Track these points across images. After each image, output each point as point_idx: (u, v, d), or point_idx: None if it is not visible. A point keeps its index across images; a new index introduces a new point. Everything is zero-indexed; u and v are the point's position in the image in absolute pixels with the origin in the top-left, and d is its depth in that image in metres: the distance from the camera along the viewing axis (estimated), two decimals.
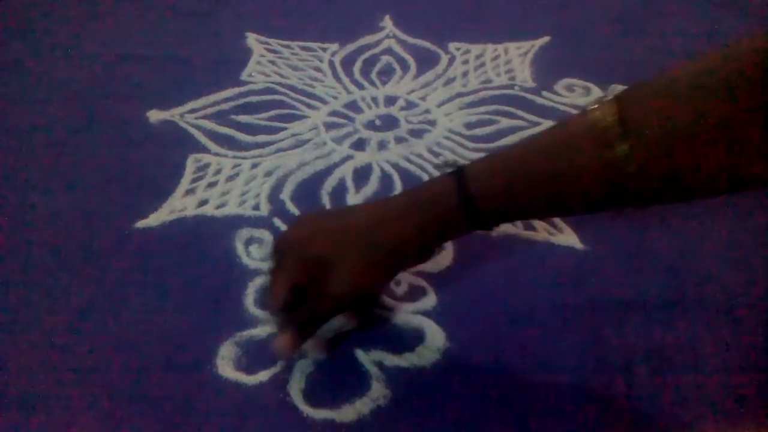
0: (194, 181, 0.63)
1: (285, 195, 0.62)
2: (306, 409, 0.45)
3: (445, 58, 0.80)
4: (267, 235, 0.58)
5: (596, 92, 0.74)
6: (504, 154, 0.44)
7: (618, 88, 0.72)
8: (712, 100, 0.36)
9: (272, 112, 0.72)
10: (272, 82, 0.76)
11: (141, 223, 0.59)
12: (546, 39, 0.83)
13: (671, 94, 0.38)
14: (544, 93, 0.74)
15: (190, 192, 0.62)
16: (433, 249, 0.49)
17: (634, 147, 0.37)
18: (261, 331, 0.50)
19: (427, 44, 0.82)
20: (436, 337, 0.49)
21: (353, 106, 0.73)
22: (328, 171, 0.64)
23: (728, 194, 0.40)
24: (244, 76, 0.77)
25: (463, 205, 0.43)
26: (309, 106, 0.73)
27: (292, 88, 0.75)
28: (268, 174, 0.64)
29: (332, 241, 0.45)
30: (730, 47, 0.37)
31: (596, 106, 0.40)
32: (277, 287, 0.45)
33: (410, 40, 0.83)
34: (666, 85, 0.39)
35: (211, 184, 0.63)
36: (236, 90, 0.75)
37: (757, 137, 0.35)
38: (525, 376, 0.47)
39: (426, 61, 0.79)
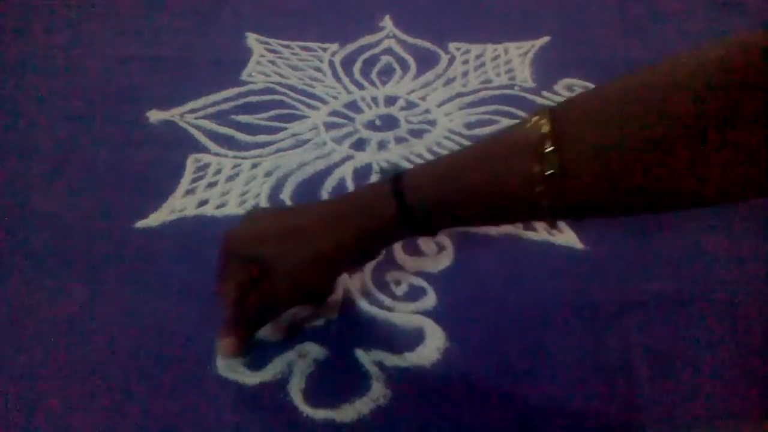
0: (194, 181, 0.63)
1: (285, 195, 0.62)
2: (306, 409, 0.45)
3: (445, 58, 0.80)
4: None
5: None
6: (441, 162, 0.46)
7: None
8: (642, 117, 0.36)
9: (272, 112, 0.72)
10: (272, 82, 0.76)
11: (141, 223, 0.59)
12: (546, 39, 0.83)
13: (603, 107, 0.38)
14: (544, 93, 0.74)
15: (190, 192, 0.62)
16: (377, 252, 0.50)
17: (564, 159, 0.37)
18: (261, 331, 0.50)
19: (427, 44, 0.82)
20: (436, 337, 0.49)
21: (353, 106, 0.73)
22: (328, 171, 0.64)
23: (669, 211, 0.41)
24: (244, 76, 0.77)
25: (400, 213, 0.43)
26: (309, 106, 0.73)
27: (292, 88, 0.75)
28: (268, 174, 0.64)
29: (273, 243, 0.46)
30: (672, 60, 0.37)
31: (531, 117, 0.40)
32: (224, 286, 0.47)
33: (410, 40, 0.83)
34: (599, 98, 0.39)
35: (211, 184, 0.63)
36: (236, 90, 0.75)
37: (685, 155, 0.35)
38: (525, 376, 0.47)
39: (426, 61, 0.79)
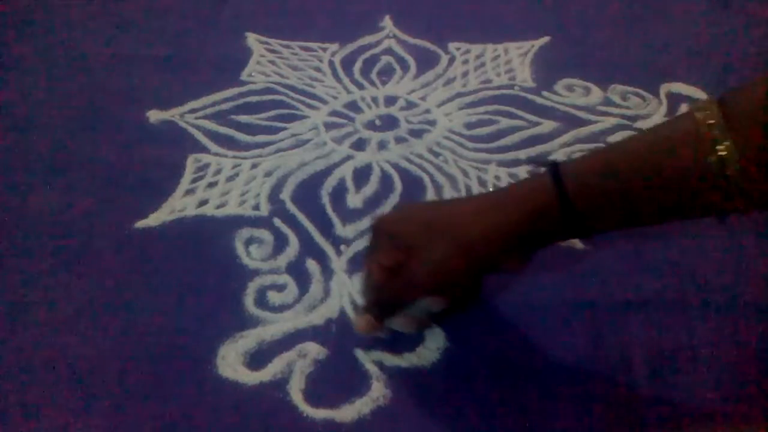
0: (194, 181, 0.63)
1: (285, 195, 0.62)
2: (306, 409, 0.45)
3: (445, 58, 0.80)
4: (267, 235, 0.58)
5: (596, 92, 0.74)
6: (601, 154, 0.44)
7: (618, 88, 0.74)
8: None
9: (272, 112, 0.72)
10: (272, 82, 0.76)
11: (141, 223, 0.59)
12: (546, 39, 0.83)
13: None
14: (544, 93, 0.74)
15: (190, 192, 0.62)
16: (527, 253, 0.46)
17: (737, 148, 0.37)
18: (261, 331, 0.50)
19: (427, 44, 0.82)
20: (436, 337, 0.49)
21: (353, 106, 0.73)
22: (328, 171, 0.64)
23: None
24: (244, 76, 0.77)
25: (559, 202, 0.41)
26: (309, 106, 0.73)
27: (292, 88, 0.75)
28: (268, 174, 0.64)
29: (420, 229, 0.45)
30: None
31: (698, 106, 0.39)
32: (372, 266, 0.46)
33: (410, 40, 0.83)
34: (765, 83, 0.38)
35: (211, 184, 0.63)
36: (236, 90, 0.75)
37: None
38: (525, 376, 0.47)
39: (426, 61, 0.79)
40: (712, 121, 0.38)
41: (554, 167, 0.43)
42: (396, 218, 0.48)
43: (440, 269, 0.44)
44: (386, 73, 0.78)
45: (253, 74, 0.77)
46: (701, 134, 0.38)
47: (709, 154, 0.38)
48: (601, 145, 0.67)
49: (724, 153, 0.37)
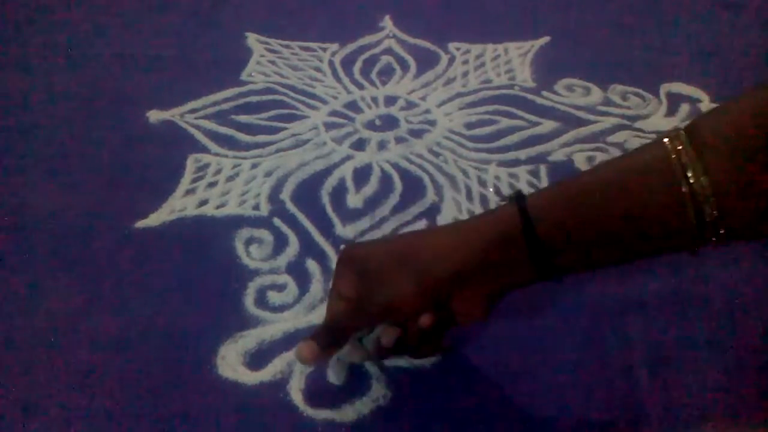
0: (194, 181, 0.63)
1: (285, 195, 0.62)
2: (306, 409, 0.45)
3: (445, 58, 0.80)
4: (267, 235, 0.58)
5: (596, 92, 0.74)
6: (568, 182, 0.42)
7: (618, 88, 0.74)
8: None
9: (272, 112, 0.72)
10: (272, 82, 0.76)
11: (141, 223, 0.59)
12: (546, 39, 0.83)
13: (741, 116, 0.37)
14: (544, 93, 0.74)
15: (190, 192, 0.62)
16: (491, 299, 0.43)
17: (709, 178, 0.36)
18: (261, 331, 0.50)
19: (427, 44, 0.82)
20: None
21: (353, 106, 0.73)
22: (328, 171, 0.64)
23: None
24: (244, 76, 0.77)
25: (523, 230, 0.40)
26: (309, 106, 0.73)
27: (292, 88, 0.75)
28: (268, 174, 0.64)
29: (385, 258, 0.43)
30: None
31: (666, 137, 0.38)
32: (330, 299, 0.46)
33: (410, 40, 0.83)
34: (736, 109, 0.38)
35: (211, 184, 0.63)
36: (236, 90, 0.75)
37: None
38: (525, 376, 0.47)
39: (426, 61, 0.79)
40: (681, 150, 0.37)
41: (520, 196, 0.41)
42: (365, 247, 0.47)
43: (395, 298, 0.42)
44: (386, 73, 0.78)
45: (253, 74, 0.77)
46: (672, 163, 0.37)
47: (680, 184, 0.36)
48: (601, 145, 0.67)
49: (693, 182, 0.36)
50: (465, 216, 0.59)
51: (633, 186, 0.39)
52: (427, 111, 0.72)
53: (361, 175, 0.64)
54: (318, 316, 0.51)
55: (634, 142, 0.67)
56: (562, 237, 0.40)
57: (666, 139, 0.38)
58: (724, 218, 0.36)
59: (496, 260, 0.41)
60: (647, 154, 0.39)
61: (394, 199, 0.61)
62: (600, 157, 0.65)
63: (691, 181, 0.36)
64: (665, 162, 0.37)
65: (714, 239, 0.37)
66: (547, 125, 0.70)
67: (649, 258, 0.41)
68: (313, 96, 0.74)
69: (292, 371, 0.47)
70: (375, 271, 0.43)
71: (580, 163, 0.65)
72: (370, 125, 0.70)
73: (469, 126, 0.70)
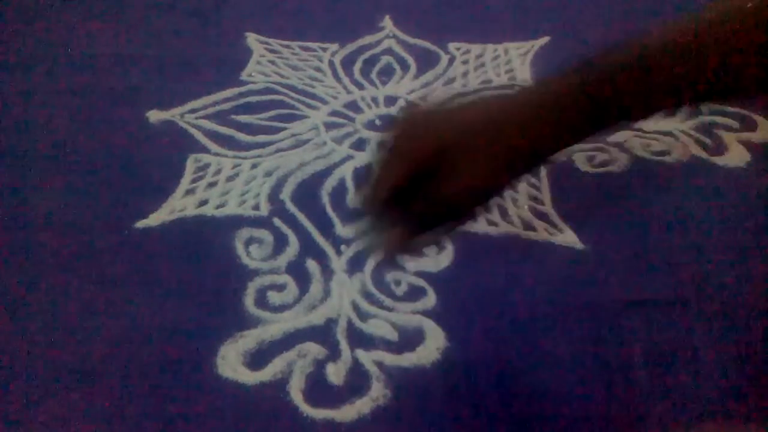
0: (194, 181, 0.63)
1: (285, 195, 0.62)
2: (306, 409, 0.45)
3: (445, 58, 0.80)
4: (267, 235, 0.58)
5: None
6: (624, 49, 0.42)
7: None
8: None
9: (272, 112, 0.72)
10: (272, 82, 0.76)
11: (141, 223, 0.59)
12: (546, 39, 0.83)
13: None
14: None
15: (190, 192, 0.62)
16: (552, 149, 0.42)
17: None
18: (261, 331, 0.50)
19: (427, 44, 0.82)
20: (436, 337, 0.49)
21: (353, 106, 0.73)
22: (328, 171, 0.64)
23: None
24: (244, 76, 0.77)
25: (592, 109, 0.40)
26: (309, 106, 0.73)
27: (292, 88, 0.75)
28: (268, 174, 0.64)
29: (450, 131, 0.40)
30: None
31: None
32: (387, 174, 0.40)
33: (410, 40, 0.83)
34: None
35: (211, 184, 0.63)
36: (236, 90, 0.75)
37: None
38: (525, 376, 0.47)
39: (426, 61, 0.79)
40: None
41: (583, 70, 0.41)
42: (425, 117, 0.43)
43: (481, 181, 0.40)
44: (386, 73, 0.78)
45: (253, 74, 0.77)
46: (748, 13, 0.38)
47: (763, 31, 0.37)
48: (601, 144, 0.67)
49: None
50: None
51: (722, 35, 0.40)
52: None
53: (362, 175, 0.64)
54: (318, 315, 0.51)
55: (635, 142, 0.67)
56: (636, 100, 0.40)
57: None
58: None
59: (560, 132, 0.41)
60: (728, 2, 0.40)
61: None
62: (600, 158, 0.65)
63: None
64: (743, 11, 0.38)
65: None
66: None
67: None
68: (313, 96, 0.74)
69: (292, 371, 0.47)
70: (449, 145, 0.40)
71: (580, 163, 0.65)
72: (370, 125, 0.70)
73: None
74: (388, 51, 0.81)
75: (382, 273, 0.54)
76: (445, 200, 0.40)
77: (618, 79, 0.40)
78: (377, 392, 0.46)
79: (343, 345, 0.49)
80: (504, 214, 0.59)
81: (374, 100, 0.74)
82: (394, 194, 0.40)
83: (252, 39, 0.83)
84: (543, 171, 0.64)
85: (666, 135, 0.68)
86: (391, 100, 0.74)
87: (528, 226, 0.58)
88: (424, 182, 0.40)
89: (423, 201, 0.40)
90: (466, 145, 0.40)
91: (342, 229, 0.58)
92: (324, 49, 0.82)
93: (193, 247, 0.57)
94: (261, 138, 0.68)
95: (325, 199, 0.61)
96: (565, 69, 0.41)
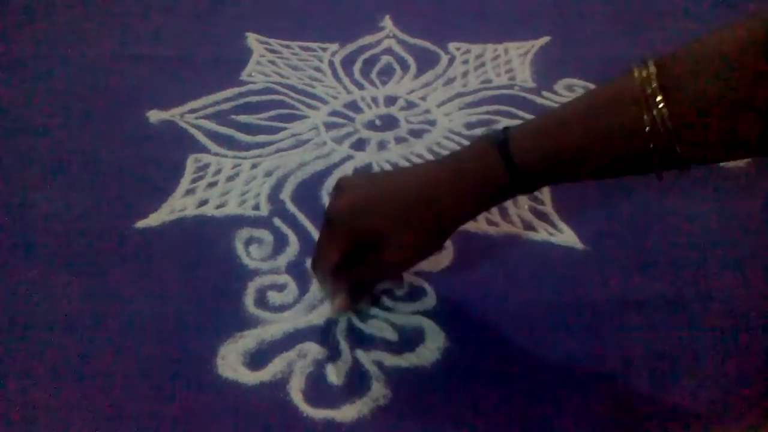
0: (194, 181, 0.63)
1: (285, 195, 0.62)
2: (306, 409, 0.45)
3: (445, 58, 0.80)
4: (267, 235, 0.58)
5: None
6: (545, 120, 0.45)
7: None
8: (738, 70, 0.37)
9: (272, 112, 0.72)
10: (272, 82, 0.76)
11: (141, 223, 0.59)
12: (546, 39, 0.83)
13: (704, 61, 0.39)
14: (544, 93, 0.74)
15: (190, 192, 0.62)
16: (479, 214, 0.50)
17: (671, 111, 0.38)
18: (261, 331, 0.50)
19: (427, 44, 0.82)
20: (436, 337, 0.49)
21: (353, 106, 0.73)
22: (328, 171, 0.64)
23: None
24: (244, 76, 0.77)
25: (510, 176, 0.43)
26: (309, 106, 0.73)
27: (292, 88, 0.75)
28: (268, 174, 0.64)
29: (384, 213, 0.46)
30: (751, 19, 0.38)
31: (637, 68, 0.40)
32: (328, 251, 0.47)
33: (410, 40, 0.83)
34: (700, 52, 0.39)
35: (211, 184, 0.63)
36: (236, 90, 0.75)
37: None
38: (525, 376, 0.47)
39: (426, 61, 0.79)
40: (648, 80, 0.39)
41: (502, 137, 0.44)
42: (353, 204, 0.47)
43: (415, 250, 0.47)
44: (386, 73, 0.78)
45: (253, 74, 0.77)
46: (636, 92, 0.39)
47: (643, 113, 0.38)
48: None
49: (655, 113, 0.38)
50: None
51: (602, 114, 0.41)
52: (427, 111, 0.72)
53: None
54: (318, 315, 0.51)
55: None
56: (541, 169, 0.43)
57: (636, 69, 0.40)
58: (683, 147, 0.38)
59: (484, 198, 0.46)
60: (618, 83, 0.42)
61: None
62: None
63: (653, 112, 0.38)
64: (632, 91, 0.39)
65: (676, 166, 0.40)
66: None
67: (618, 177, 0.44)
68: (313, 96, 0.74)
69: (292, 371, 0.47)
70: (384, 225, 0.46)
71: None
72: (370, 125, 0.70)
73: (469, 126, 0.70)
74: (388, 51, 0.81)
75: None
76: (384, 268, 0.48)
77: (532, 145, 0.43)
78: (377, 392, 0.46)
79: (343, 345, 0.49)
80: (504, 214, 0.59)
81: (374, 100, 0.74)
82: (336, 266, 0.47)
83: (252, 39, 0.83)
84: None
85: None
86: (391, 100, 0.74)
87: (528, 226, 0.58)
88: (366, 251, 0.47)
89: (365, 267, 0.47)
90: (399, 222, 0.45)
91: None
92: (324, 49, 0.82)
93: (193, 247, 0.57)
94: (261, 138, 0.68)
95: (325, 199, 0.61)
96: (485, 136, 0.45)
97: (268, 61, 0.80)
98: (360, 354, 0.48)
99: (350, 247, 0.47)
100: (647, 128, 0.38)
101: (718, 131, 0.38)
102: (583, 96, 0.45)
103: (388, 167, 0.65)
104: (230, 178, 0.63)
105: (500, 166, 0.43)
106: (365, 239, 0.46)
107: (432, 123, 0.71)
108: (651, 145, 0.39)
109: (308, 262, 0.52)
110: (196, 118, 0.71)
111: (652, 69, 0.39)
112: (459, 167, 0.46)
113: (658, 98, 0.38)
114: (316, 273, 0.50)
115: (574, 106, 0.44)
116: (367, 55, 0.81)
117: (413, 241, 0.46)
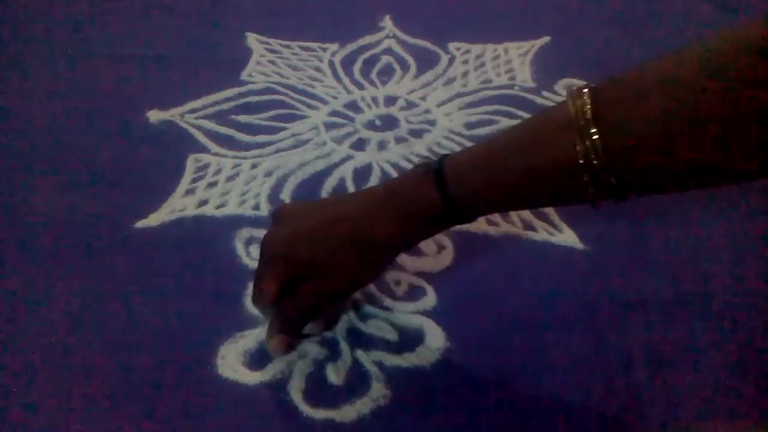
0: (194, 181, 0.63)
1: (285, 195, 0.62)
2: (306, 409, 0.45)
3: (445, 58, 0.80)
4: None
5: None
6: (481, 149, 0.44)
7: None
8: (681, 93, 0.36)
9: (272, 112, 0.72)
10: (272, 82, 0.76)
11: (141, 223, 0.59)
12: (546, 39, 0.83)
13: (641, 89, 0.37)
14: (544, 93, 0.74)
15: (190, 192, 0.62)
16: (416, 244, 0.50)
17: (606, 141, 0.36)
18: (261, 331, 0.50)
19: (427, 44, 0.82)
20: (436, 337, 0.49)
21: (353, 106, 0.73)
22: (328, 171, 0.64)
23: (703, 188, 0.40)
24: (244, 76, 0.77)
25: (444, 206, 0.43)
26: (309, 106, 0.73)
27: (292, 88, 0.75)
28: (268, 174, 0.64)
29: (319, 243, 0.46)
30: (708, 41, 0.37)
31: (571, 98, 0.39)
32: (265, 285, 0.47)
33: (410, 40, 0.83)
34: (637, 79, 0.38)
35: (211, 184, 0.63)
36: (236, 90, 0.75)
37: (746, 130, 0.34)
38: (525, 376, 0.47)
39: (426, 61, 0.79)
40: (581, 109, 0.37)
41: (437, 167, 0.43)
42: (286, 235, 0.47)
43: (353, 278, 0.47)
44: (386, 73, 0.78)
45: (253, 74, 0.77)
46: (571, 123, 0.38)
47: (576, 144, 0.37)
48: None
49: (588, 144, 0.37)
50: None
51: (535, 148, 0.40)
52: (427, 111, 0.72)
53: (361, 175, 0.64)
54: None
55: None
56: (475, 201, 0.43)
57: (569, 98, 0.39)
58: (621, 177, 0.37)
59: (420, 227, 0.46)
60: (552, 112, 0.41)
61: None
62: None
63: (586, 143, 0.37)
64: (565, 120, 0.38)
65: (602, 196, 0.39)
66: None
67: (555, 206, 0.45)
68: (313, 96, 0.74)
69: (292, 371, 0.47)
70: (317, 255, 0.46)
71: None
72: (370, 125, 0.70)
73: (469, 126, 0.70)
74: (388, 51, 0.81)
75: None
76: (319, 298, 0.47)
77: (467, 178, 0.43)
78: (377, 392, 0.46)
79: (343, 345, 0.49)
80: (504, 214, 0.59)
81: (374, 100, 0.74)
82: (273, 302, 0.47)
83: (252, 39, 0.83)
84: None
85: None
86: (391, 100, 0.74)
87: (528, 226, 0.59)
88: (302, 287, 0.46)
89: (300, 298, 0.47)
90: (333, 253, 0.45)
91: None
92: (324, 49, 0.82)
93: (193, 247, 0.57)
94: (261, 138, 0.68)
95: None
96: (422, 164, 0.45)
97: (268, 61, 0.80)
98: (360, 354, 0.48)
99: (287, 278, 0.46)
100: (581, 161, 0.37)
101: (659, 161, 0.36)
102: (518, 126, 0.44)
103: (388, 167, 0.65)
104: (230, 178, 0.64)
105: (435, 196, 0.43)
106: (300, 271, 0.46)
107: (432, 123, 0.71)
108: (584, 178, 0.37)
109: (247, 299, 0.51)
110: (196, 118, 0.71)
111: (587, 98, 0.38)
112: (393, 197, 0.45)
113: (592, 129, 0.37)
114: (257, 306, 0.49)
115: (507, 139, 0.43)
116: (367, 55, 0.81)
117: (347, 272, 0.46)
